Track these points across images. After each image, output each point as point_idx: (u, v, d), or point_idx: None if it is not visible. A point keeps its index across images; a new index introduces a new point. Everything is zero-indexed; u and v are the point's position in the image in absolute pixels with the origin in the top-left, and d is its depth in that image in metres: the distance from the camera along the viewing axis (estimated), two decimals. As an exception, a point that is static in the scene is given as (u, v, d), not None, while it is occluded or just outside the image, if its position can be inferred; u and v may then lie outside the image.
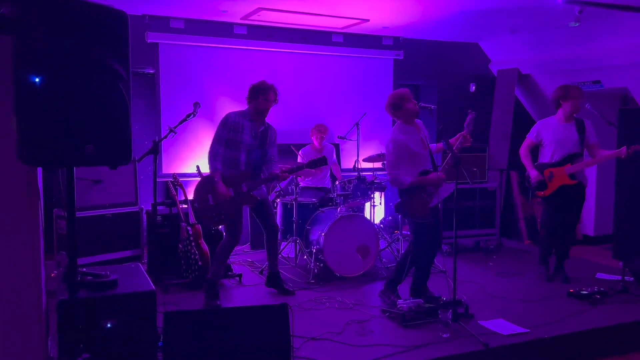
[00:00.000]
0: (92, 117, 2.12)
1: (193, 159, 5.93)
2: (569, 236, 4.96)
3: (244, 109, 4.36)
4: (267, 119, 4.44)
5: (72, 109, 2.07)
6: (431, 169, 4.08)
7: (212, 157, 4.22)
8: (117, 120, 2.19)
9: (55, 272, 4.69)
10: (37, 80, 1.98)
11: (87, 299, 2.49)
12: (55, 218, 4.89)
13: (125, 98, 2.20)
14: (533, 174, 4.83)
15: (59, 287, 2.70)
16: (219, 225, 4.46)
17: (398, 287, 4.27)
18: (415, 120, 4.14)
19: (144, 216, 5.12)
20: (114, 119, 2.18)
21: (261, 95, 4.23)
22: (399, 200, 4.15)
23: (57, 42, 2.00)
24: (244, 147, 4.23)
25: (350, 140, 6.32)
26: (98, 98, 2.12)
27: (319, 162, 4.32)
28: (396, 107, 4.03)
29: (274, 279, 4.56)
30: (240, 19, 5.96)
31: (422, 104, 4.08)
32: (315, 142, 5.95)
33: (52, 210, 5.08)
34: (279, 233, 5.48)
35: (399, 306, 3.90)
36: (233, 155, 4.23)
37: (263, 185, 4.46)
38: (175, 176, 5.08)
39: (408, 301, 3.95)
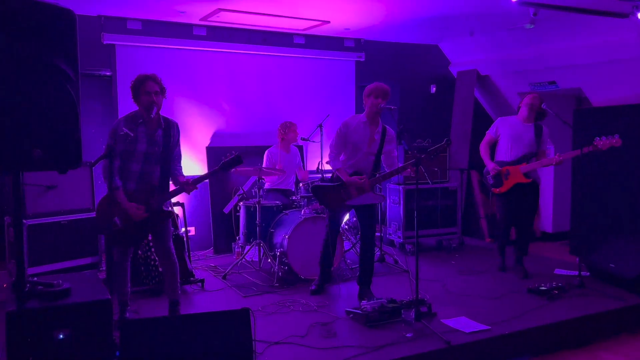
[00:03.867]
0: (39, 120, 2.03)
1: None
2: (526, 232, 5.10)
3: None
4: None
5: (17, 111, 1.98)
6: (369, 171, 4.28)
7: (108, 172, 3.59)
8: (66, 123, 2.11)
9: (7, 282, 4.51)
10: (-23, 81, 1.89)
11: (37, 309, 2.39)
12: (6, 226, 4.71)
13: (74, 99, 2.12)
14: (490, 165, 4.98)
15: (8, 297, 2.59)
16: (133, 246, 3.94)
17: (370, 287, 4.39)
18: (379, 122, 4.31)
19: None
20: (62, 122, 2.10)
21: (140, 90, 3.63)
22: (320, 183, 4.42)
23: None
24: (138, 157, 3.61)
25: (314, 141, 6.30)
26: (45, 100, 2.04)
27: (232, 162, 3.76)
28: (364, 97, 4.32)
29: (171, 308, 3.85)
30: (200, 20, 5.87)
31: (383, 105, 4.16)
32: (280, 141, 5.88)
33: (2, 217, 4.89)
34: (243, 236, 5.44)
35: (362, 307, 3.90)
36: (124, 167, 3.62)
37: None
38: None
39: (371, 302, 3.95)
